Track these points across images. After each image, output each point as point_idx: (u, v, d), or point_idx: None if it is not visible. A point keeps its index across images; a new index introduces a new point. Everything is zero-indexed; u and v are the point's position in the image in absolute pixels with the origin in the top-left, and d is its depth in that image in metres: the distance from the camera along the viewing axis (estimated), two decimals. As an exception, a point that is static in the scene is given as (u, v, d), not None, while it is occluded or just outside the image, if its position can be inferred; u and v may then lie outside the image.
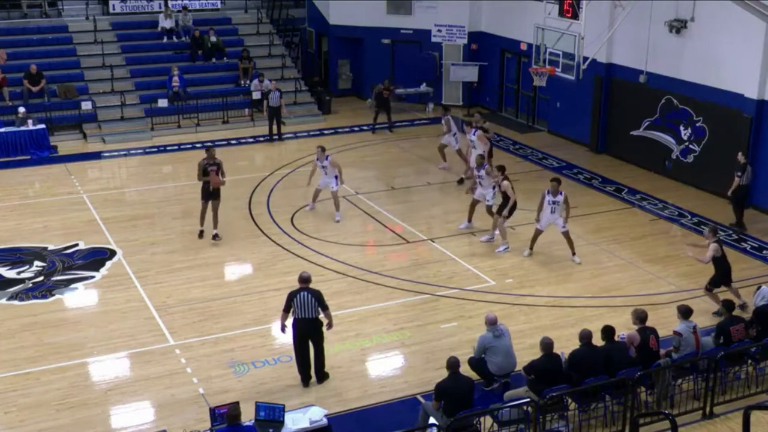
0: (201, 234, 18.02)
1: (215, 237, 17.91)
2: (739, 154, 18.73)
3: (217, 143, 25.14)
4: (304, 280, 12.47)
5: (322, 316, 12.54)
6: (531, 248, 17.44)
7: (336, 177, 19.04)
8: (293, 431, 10.73)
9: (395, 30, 29.56)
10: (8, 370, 13.07)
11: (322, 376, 12.79)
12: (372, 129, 26.39)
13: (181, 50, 28.96)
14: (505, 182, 17.49)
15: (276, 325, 14.57)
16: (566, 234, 17.14)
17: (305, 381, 12.68)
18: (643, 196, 20.97)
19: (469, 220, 18.67)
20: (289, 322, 12.60)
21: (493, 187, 18.02)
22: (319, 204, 20.24)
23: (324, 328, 12.60)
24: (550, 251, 17.67)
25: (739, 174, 18.46)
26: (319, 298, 12.35)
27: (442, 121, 22.84)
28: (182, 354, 13.58)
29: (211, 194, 17.65)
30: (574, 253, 17.17)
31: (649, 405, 12.13)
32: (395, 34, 29.63)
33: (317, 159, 19.19)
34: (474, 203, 18.53)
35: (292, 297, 12.37)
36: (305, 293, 12.33)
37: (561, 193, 16.96)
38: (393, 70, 30.00)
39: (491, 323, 12.39)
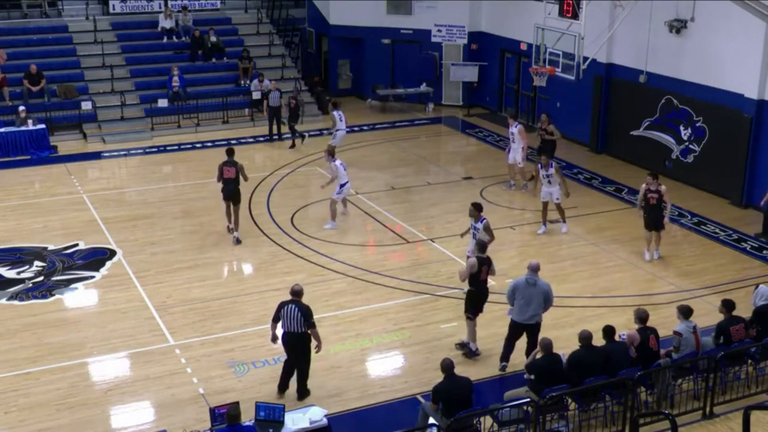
0: (228, 229, 18.16)
1: (236, 241, 17.80)
2: None
3: (217, 143, 25.18)
4: (294, 293, 12.14)
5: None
6: (545, 223, 18.45)
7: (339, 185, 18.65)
8: (293, 431, 10.73)
9: (395, 30, 29.56)
10: (8, 370, 13.07)
11: (302, 393, 12.33)
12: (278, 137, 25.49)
13: (181, 50, 28.96)
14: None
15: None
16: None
17: (280, 387, 12.34)
18: (643, 196, 20.96)
19: (545, 223, 18.45)
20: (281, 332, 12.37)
21: (560, 185, 18.18)
22: (319, 204, 20.24)
23: (312, 348, 12.19)
24: (550, 251, 17.67)
25: None
26: (305, 315, 11.92)
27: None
28: (182, 354, 13.58)
29: (230, 196, 17.66)
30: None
31: (649, 405, 12.13)
32: (395, 34, 29.63)
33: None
34: (545, 205, 18.33)
35: (280, 308, 12.09)
36: (293, 306, 12.00)
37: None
38: (393, 70, 30.04)
39: (531, 269, 12.74)
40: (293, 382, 12.38)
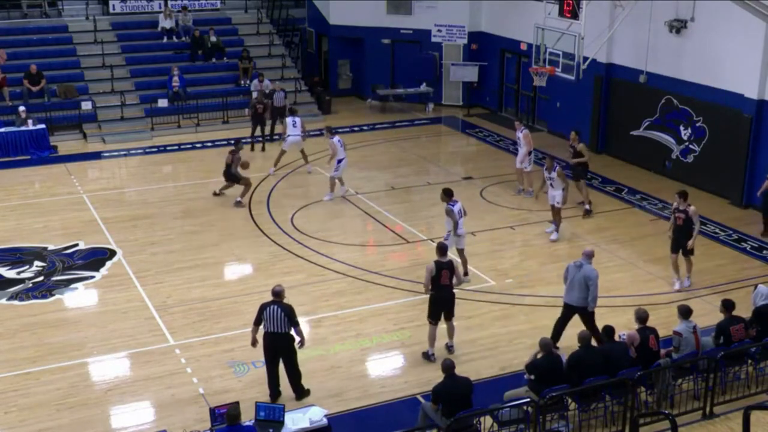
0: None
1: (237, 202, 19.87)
2: None
3: (217, 143, 25.19)
4: (276, 293, 12.04)
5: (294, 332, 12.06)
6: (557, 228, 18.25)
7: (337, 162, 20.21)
8: (293, 431, 10.73)
9: (395, 30, 29.57)
10: (8, 370, 13.07)
11: (299, 393, 12.29)
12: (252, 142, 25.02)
13: (181, 50, 28.96)
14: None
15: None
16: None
17: (272, 395, 12.22)
18: (643, 196, 20.97)
19: (555, 225, 18.33)
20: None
21: (563, 189, 17.83)
22: (319, 204, 20.27)
23: (296, 345, 12.09)
24: (550, 251, 17.68)
25: None
26: (289, 314, 11.81)
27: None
28: (182, 354, 13.58)
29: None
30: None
31: (649, 405, 12.13)
32: (395, 34, 29.64)
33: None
34: (553, 207, 18.14)
35: (262, 309, 11.98)
36: (275, 307, 11.90)
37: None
38: (393, 70, 30.05)
39: (584, 254, 13.34)
40: (285, 387, 12.27)
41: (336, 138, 20.32)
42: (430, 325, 13.35)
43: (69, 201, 20.40)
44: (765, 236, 18.43)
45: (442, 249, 13.25)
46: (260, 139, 24.33)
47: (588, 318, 13.16)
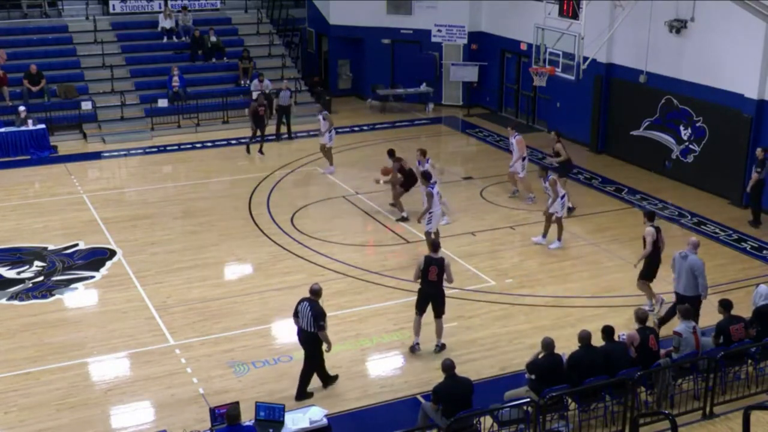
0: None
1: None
2: (758, 149, 18.76)
3: (217, 143, 25.20)
4: (312, 291, 12.31)
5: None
6: (559, 239, 17.87)
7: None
8: (293, 431, 10.73)
9: (395, 30, 29.57)
10: (8, 370, 13.07)
11: (324, 381, 12.58)
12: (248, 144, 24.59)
13: (181, 50, 28.97)
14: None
15: (276, 325, 14.68)
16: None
17: (323, 381, 12.56)
18: (643, 196, 20.97)
19: (558, 239, 17.97)
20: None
21: (562, 197, 17.61)
22: (319, 204, 20.27)
23: (324, 347, 12.32)
24: (550, 251, 17.67)
25: (759, 170, 18.55)
26: (316, 316, 12.00)
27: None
28: (182, 354, 13.58)
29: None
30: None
31: (649, 405, 12.13)
32: (395, 34, 29.64)
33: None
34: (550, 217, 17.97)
35: (298, 303, 12.30)
36: (306, 304, 12.14)
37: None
38: (393, 70, 30.04)
39: (690, 245, 13.71)
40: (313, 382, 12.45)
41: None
42: (416, 316, 13.55)
43: (69, 201, 20.40)
44: (753, 227, 18.69)
45: (434, 246, 13.47)
46: (260, 139, 24.21)
47: (698, 307, 13.55)
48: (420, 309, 13.46)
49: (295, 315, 12.33)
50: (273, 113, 25.55)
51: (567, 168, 20.16)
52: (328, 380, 12.64)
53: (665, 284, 16.24)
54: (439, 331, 13.61)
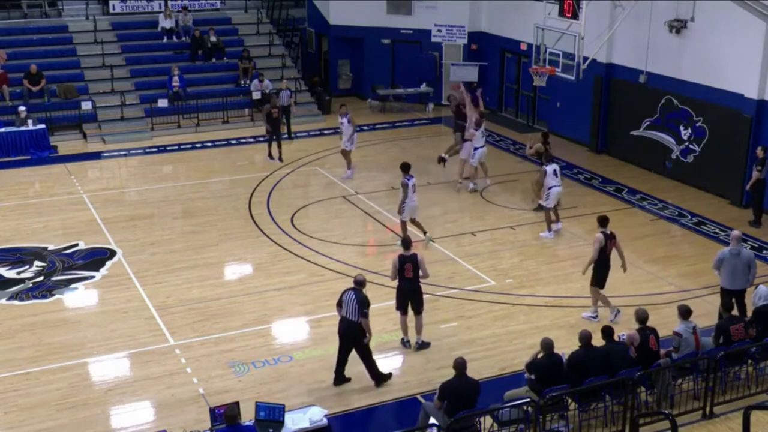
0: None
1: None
2: (759, 148, 18.76)
3: (217, 143, 25.20)
4: (357, 282, 12.51)
5: None
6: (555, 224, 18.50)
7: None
8: (293, 431, 10.73)
9: (395, 30, 29.56)
10: (8, 370, 13.07)
11: (376, 379, 12.68)
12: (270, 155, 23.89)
13: (181, 50, 28.95)
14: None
15: (276, 325, 14.67)
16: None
17: (335, 380, 12.65)
18: (643, 196, 20.97)
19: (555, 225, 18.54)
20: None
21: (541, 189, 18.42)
22: (319, 204, 20.28)
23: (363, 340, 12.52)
24: (550, 251, 17.68)
25: (759, 168, 18.55)
26: (361, 303, 12.21)
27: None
28: (182, 354, 13.58)
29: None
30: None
31: (649, 405, 12.13)
32: (395, 34, 29.64)
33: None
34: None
35: (342, 294, 12.51)
36: (352, 293, 12.38)
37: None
38: (393, 70, 30.04)
39: (735, 240, 13.83)
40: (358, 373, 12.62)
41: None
42: (400, 315, 13.69)
43: (69, 201, 20.40)
44: (754, 227, 18.69)
45: (405, 243, 13.65)
46: (274, 138, 23.47)
47: (743, 297, 13.87)
48: (402, 307, 13.63)
49: (339, 305, 12.51)
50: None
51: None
52: (346, 379, 12.74)
53: (664, 284, 16.26)
54: (419, 328, 13.67)
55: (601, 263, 14.40)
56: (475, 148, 20.67)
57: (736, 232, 14.17)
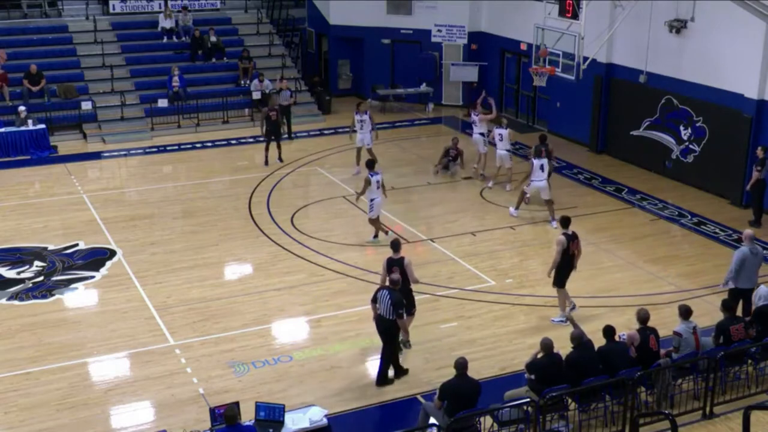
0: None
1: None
2: (759, 148, 18.76)
3: (217, 143, 25.20)
4: (392, 281, 12.63)
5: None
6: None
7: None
8: (293, 431, 10.73)
9: (395, 30, 29.56)
10: (8, 370, 13.06)
11: (396, 371, 12.89)
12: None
13: (181, 50, 28.95)
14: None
15: (276, 325, 14.68)
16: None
17: (396, 373, 12.85)
18: (643, 196, 20.97)
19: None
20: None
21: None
22: (319, 204, 20.28)
23: (401, 335, 12.75)
24: (549, 251, 17.62)
25: (759, 168, 18.54)
26: (394, 303, 12.31)
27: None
28: (182, 354, 13.58)
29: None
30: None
31: (649, 405, 12.13)
32: (395, 34, 29.63)
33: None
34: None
35: (377, 291, 12.65)
36: (386, 292, 12.47)
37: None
38: (393, 70, 30.04)
39: (750, 239, 13.89)
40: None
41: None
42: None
43: (69, 201, 20.40)
44: (754, 227, 18.53)
45: (394, 246, 13.62)
46: (274, 139, 23.37)
47: (750, 295, 13.81)
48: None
49: (374, 301, 12.63)
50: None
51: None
52: (399, 371, 12.90)
53: (664, 284, 16.26)
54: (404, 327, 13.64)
55: (563, 264, 14.39)
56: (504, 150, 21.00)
57: (749, 231, 14.19)
